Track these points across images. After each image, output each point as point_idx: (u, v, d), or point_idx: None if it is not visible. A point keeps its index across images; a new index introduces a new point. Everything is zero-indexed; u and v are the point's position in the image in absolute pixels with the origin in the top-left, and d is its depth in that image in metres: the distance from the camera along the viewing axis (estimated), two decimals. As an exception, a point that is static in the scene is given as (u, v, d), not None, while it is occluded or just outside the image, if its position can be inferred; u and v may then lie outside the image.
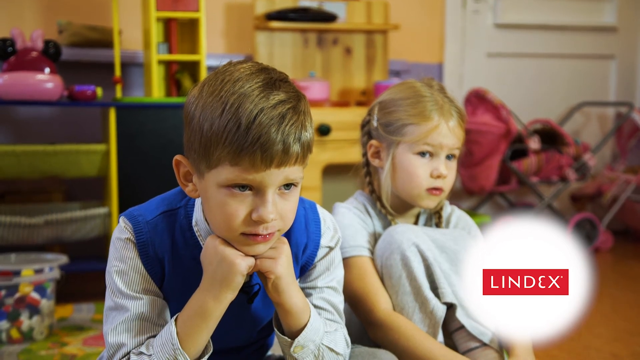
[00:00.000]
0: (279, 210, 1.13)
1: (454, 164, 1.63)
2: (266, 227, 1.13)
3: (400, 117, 1.59)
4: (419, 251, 1.52)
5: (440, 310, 1.51)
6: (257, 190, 1.12)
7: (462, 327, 1.53)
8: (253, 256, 1.17)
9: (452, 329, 1.55)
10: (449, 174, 1.60)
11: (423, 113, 1.57)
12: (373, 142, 1.65)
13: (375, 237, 1.62)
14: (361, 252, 1.58)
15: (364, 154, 1.68)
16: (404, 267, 1.52)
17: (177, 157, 1.19)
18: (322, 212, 1.35)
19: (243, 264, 1.15)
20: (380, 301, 1.53)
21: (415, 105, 1.58)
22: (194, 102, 1.14)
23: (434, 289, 1.52)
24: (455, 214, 1.71)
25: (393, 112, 1.61)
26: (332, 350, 1.27)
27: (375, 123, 1.64)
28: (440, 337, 1.53)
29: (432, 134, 1.57)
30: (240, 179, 1.10)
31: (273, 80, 1.13)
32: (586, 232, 3.71)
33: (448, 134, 1.58)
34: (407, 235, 1.53)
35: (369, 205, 1.67)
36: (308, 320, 1.22)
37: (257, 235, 1.13)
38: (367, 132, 1.68)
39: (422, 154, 1.59)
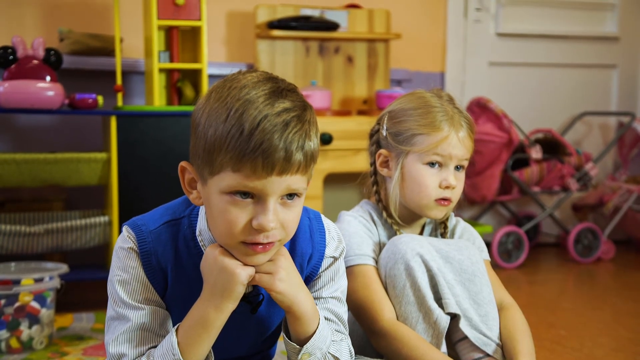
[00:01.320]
0: (281, 220, 1.13)
1: (462, 174, 1.62)
2: (267, 236, 1.12)
3: (410, 127, 1.59)
4: (423, 261, 1.51)
5: (444, 321, 1.51)
6: (259, 198, 1.11)
7: (465, 337, 1.52)
8: (253, 266, 1.16)
9: (455, 340, 1.55)
10: (457, 184, 1.60)
11: (433, 123, 1.57)
12: (382, 151, 1.64)
13: (380, 247, 1.62)
14: (366, 260, 1.57)
15: (372, 163, 1.67)
16: (408, 277, 1.51)
17: (183, 163, 1.19)
18: (326, 222, 1.34)
19: (243, 273, 1.14)
20: (384, 310, 1.52)
21: (425, 115, 1.58)
22: (201, 108, 1.15)
23: (438, 299, 1.52)
24: (460, 226, 1.71)
25: (403, 122, 1.60)
26: (337, 359, 1.26)
27: (384, 132, 1.63)
28: (444, 347, 1.53)
29: (441, 144, 1.57)
30: (242, 185, 1.09)
31: (280, 89, 1.13)
32: (588, 242, 3.71)
33: (458, 144, 1.58)
34: (411, 245, 1.53)
35: (374, 214, 1.66)
36: (317, 328, 1.22)
37: (257, 244, 1.12)
38: (375, 141, 1.67)
39: (432, 164, 1.59)
